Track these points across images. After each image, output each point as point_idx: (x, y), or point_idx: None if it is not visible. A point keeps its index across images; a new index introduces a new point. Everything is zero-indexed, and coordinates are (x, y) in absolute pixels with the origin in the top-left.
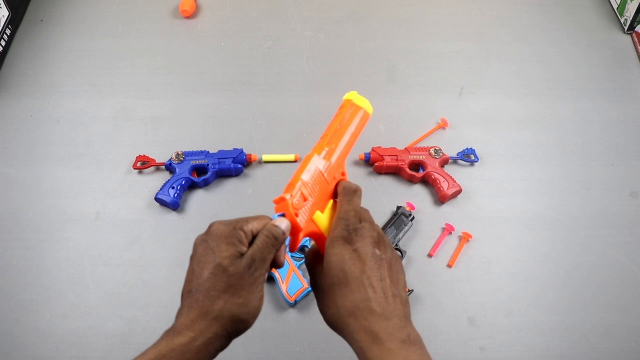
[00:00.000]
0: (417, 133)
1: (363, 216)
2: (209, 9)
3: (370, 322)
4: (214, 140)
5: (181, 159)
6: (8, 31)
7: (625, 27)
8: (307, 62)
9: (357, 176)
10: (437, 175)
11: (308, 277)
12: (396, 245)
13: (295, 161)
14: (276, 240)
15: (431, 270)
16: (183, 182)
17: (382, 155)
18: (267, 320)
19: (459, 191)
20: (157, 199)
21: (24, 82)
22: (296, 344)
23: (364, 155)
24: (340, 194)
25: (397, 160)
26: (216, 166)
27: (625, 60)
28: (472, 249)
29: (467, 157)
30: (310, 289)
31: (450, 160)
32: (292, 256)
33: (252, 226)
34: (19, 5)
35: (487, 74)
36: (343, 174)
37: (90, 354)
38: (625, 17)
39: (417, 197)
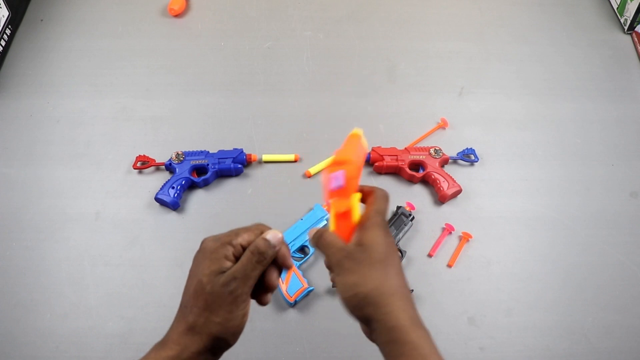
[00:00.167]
0: (417, 133)
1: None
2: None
3: (407, 306)
4: (214, 140)
5: (181, 159)
6: (8, 31)
7: (625, 27)
8: (307, 62)
9: None
10: (437, 175)
11: (308, 278)
12: (396, 245)
13: (295, 161)
14: (262, 256)
15: (431, 270)
16: (183, 182)
17: (382, 155)
18: (267, 320)
19: (459, 191)
20: (157, 199)
21: (24, 82)
22: (296, 344)
23: None
24: (377, 192)
25: (397, 160)
26: (216, 166)
27: (625, 60)
28: (472, 249)
29: (467, 157)
30: (311, 288)
31: (450, 160)
32: (292, 256)
33: (243, 239)
34: (19, 5)
35: (487, 74)
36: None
37: (90, 354)
38: (625, 17)
39: (417, 197)
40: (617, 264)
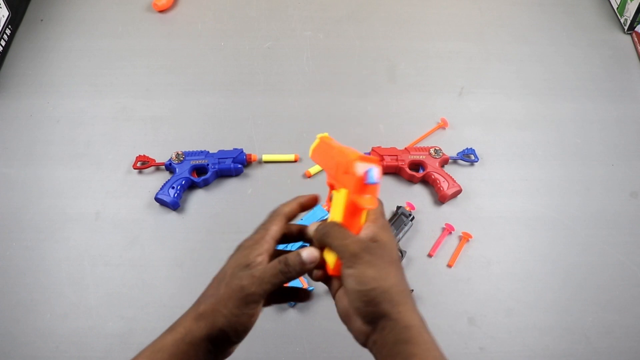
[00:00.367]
0: (417, 133)
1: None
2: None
3: (412, 304)
4: (214, 140)
5: (181, 159)
6: (8, 31)
7: (625, 27)
8: (307, 62)
9: None
10: (437, 175)
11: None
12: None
13: (295, 161)
14: (287, 268)
15: (431, 270)
16: (183, 182)
17: (382, 155)
18: (267, 320)
19: (459, 191)
20: (157, 199)
21: (24, 82)
22: (296, 344)
23: None
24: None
25: (397, 160)
26: (216, 166)
27: (625, 60)
28: (472, 249)
29: (467, 157)
30: (311, 288)
31: (450, 160)
32: None
33: (273, 233)
34: (19, 5)
35: (487, 74)
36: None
37: (90, 354)
38: (625, 17)
39: (417, 197)
40: (617, 264)
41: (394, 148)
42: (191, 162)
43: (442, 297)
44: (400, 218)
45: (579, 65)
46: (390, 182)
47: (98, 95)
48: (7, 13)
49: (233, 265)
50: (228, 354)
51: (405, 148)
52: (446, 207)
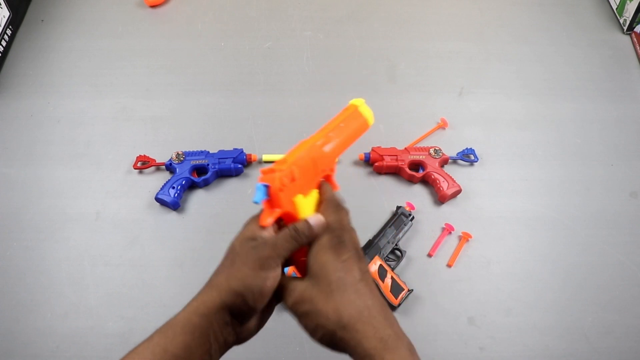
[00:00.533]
0: (417, 133)
1: (347, 227)
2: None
3: (377, 328)
4: (214, 140)
5: (181, 159)
6: (9, 31)
7: (625, 28)
8: (307, 62)
9: (357, 176)
10: (437, 175)
11: None
12: (396, 245)
13: None
14: (297, 233)
15: (431, 270)
16: (183, 182)
17: (382, 155)
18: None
19: (459, 191)
20: (157, 199)
21: (25, 82)
22: (296, 344)
23: (363, 155)
24: (326, 202)
25: (397, 160)
26: (216, 166)
27: (625, 60)
28: (472, 249)
29: (467, 157)
30: None
31: (450, 160)
32: None
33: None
34: (19, 5)
35: (487, 74)
36: (332, 170)
37: (91, 353)
38: (624, 17)
39: (417, 197)
40: (617, 264)
41: (394, 148)
42: (191, 162)
43: (441, 297)
44: (400, 218)
45: (579, 65)
46: (390, 182)
47: (98, 95)
48: (8, 13)
49: (241, 239)
50: (246, 331)
51: (405, 148)
52: (446, 207)
